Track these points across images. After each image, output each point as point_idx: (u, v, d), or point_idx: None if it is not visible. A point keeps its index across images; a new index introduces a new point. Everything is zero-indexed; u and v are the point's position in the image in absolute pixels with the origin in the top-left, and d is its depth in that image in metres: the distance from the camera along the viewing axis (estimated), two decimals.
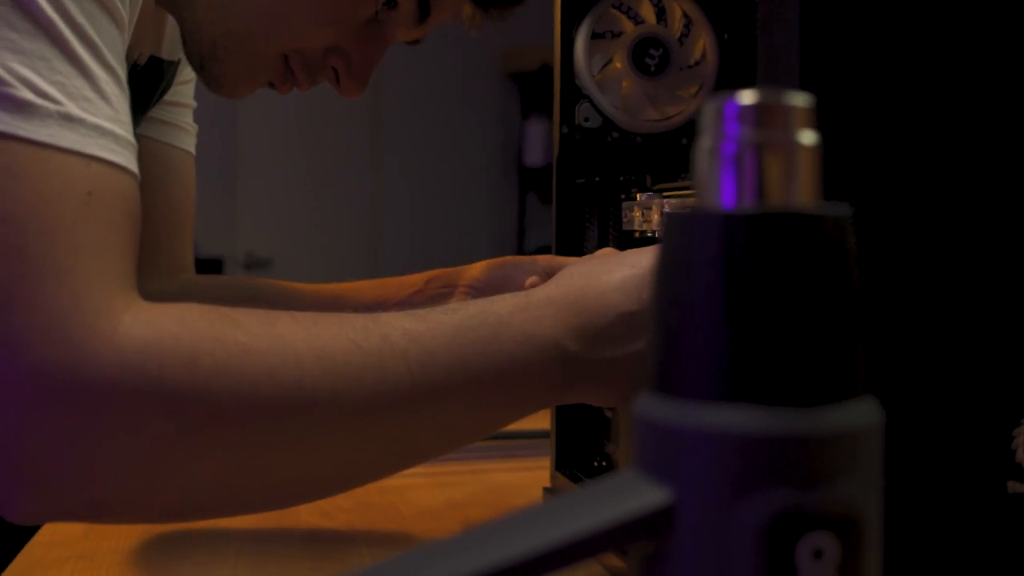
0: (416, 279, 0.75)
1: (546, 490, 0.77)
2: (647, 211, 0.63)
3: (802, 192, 0.28)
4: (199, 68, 0.71)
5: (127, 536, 0.69)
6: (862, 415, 0.28)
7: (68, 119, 0.45)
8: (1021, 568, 0.42)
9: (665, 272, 0.29)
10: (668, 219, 0.29)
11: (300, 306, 0.76)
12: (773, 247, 0.27)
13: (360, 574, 0.23)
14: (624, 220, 0.67)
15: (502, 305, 0.49)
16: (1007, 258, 0.42)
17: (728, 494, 0.27)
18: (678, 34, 0.75)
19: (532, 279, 0.67)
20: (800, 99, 0.28)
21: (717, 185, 0.28)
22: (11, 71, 0.45)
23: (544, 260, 0.70)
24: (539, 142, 3.85)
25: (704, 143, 0.28)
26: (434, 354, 0.46)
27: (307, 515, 0.76)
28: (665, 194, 0.65)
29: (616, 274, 0.52)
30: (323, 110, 3.15)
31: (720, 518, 0.27)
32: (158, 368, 0.43)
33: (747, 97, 0.27)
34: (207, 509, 0.49)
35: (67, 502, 0.44)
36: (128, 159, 0.48)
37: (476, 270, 0.73)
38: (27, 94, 0.45)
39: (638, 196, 0.66)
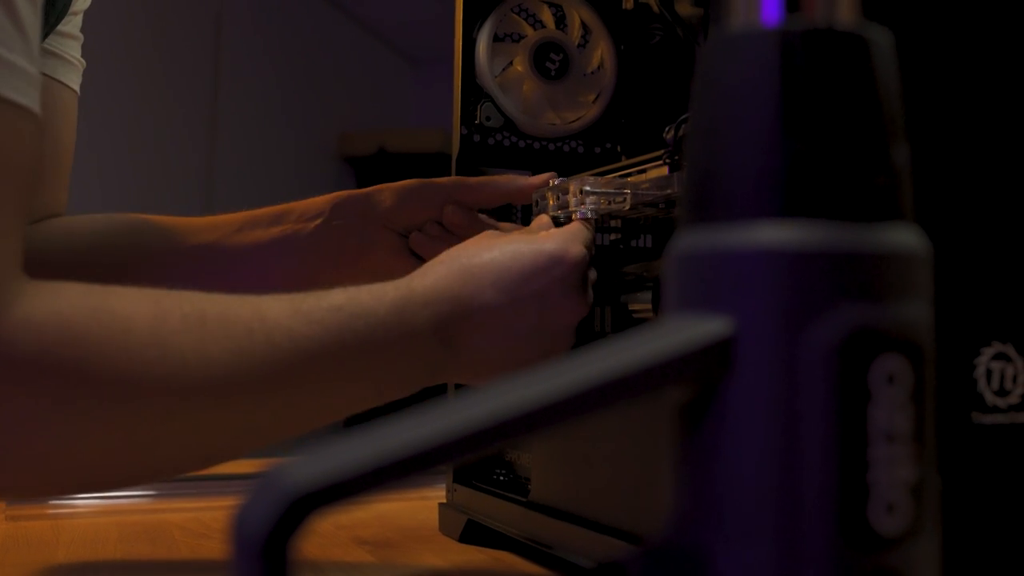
0: (322, 206, 0.69)
1: (442, 505, 0.72)
2: (563, 194, 0.62)
3: (844, 9, 0.27)
4: None
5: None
6: (917, 237, 0.26)
7: None
8: (987, 500, 0.41)
9: (709, 94, 0.27)
10: (711, 40, 0.27)
11: (194, 250, 0.71)
12: (833, 62, 0.26)
13: (437, 408, 0.20)
14: (535, 208, 0.65)
15: (381, 305, 0.50)
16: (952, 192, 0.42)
17: (798, 313, 0.25)
18: (577, 41, 0.75)
19: (449, 209, 0.67)
20: None
21: (757, 1, 0.27)
22: None
23: (450, 183, 0.67)
24: None
25: None
26: (313, 356, 0.47)
27: (181, 536, 0.69)
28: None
29: (492, 270, 0.54)
30: (159, 186, 3.04)
31: (789, 341, 0.25)
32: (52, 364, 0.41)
33: None
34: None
35: None
36: (35, 99, 0.42)
37: (388, 199, 0.68)
38: None
39: (551, 182, 0.65)
